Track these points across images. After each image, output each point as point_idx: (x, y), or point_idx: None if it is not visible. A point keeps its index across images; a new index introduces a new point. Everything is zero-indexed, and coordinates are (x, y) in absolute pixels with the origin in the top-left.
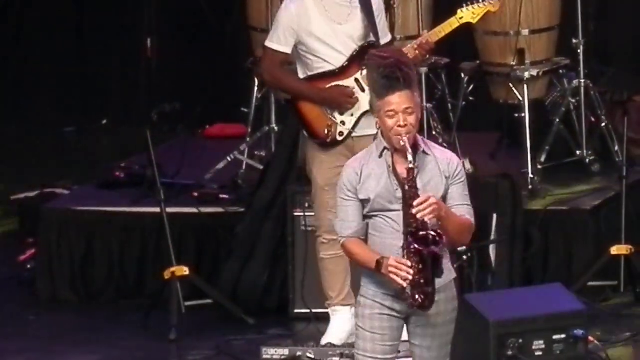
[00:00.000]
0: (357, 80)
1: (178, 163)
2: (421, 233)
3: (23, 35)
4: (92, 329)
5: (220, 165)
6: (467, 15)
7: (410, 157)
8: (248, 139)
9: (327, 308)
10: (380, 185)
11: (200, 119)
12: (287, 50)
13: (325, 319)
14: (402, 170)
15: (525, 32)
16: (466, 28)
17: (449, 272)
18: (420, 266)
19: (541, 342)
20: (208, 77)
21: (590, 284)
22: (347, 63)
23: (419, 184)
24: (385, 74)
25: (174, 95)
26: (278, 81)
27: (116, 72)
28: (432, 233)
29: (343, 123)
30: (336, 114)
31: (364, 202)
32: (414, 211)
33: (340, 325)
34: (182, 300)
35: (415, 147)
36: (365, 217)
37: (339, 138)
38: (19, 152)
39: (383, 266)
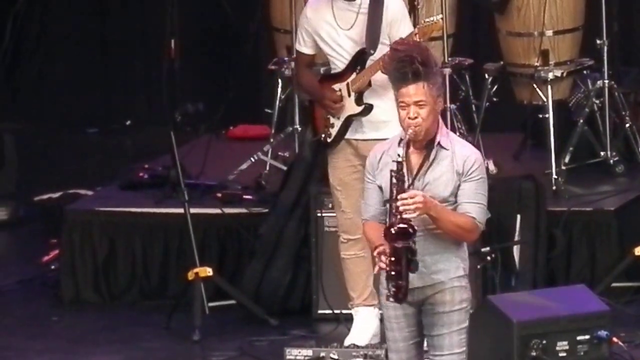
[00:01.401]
0: (347, 84)
1: (201, 164)
2: (398, 226)
3: (46, 35)
4: (115, 329)
5: (244, 166)
6: (421, 30)
7: (400, 152)
8: (271, 140)
9: (350, 308)
10: (409, 174)
11: (224, 120)
12: (309, 51)
13: (348, 319)
14: (415, 162)
15: (550, 32)
16: (490, 29)
17: (456, 268)
18: (393, 258)
19: (565, 343)
20: (231, 78)
21: (614, 284)
22: (344, 67)
23: (429, 178)
24: (397, 66)
25: (197, 96)
26: (297, 80)
27: (139, 73)
28: (403, 226)
29: (332, 125)
30: (330, 116)
31: (380, 189)
32: (398, 203)
33: (363, 325)
34: (205, 301)
35: (432, 140)
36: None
37: (328, 140)
38: (42, 153)
39: (374, 251)
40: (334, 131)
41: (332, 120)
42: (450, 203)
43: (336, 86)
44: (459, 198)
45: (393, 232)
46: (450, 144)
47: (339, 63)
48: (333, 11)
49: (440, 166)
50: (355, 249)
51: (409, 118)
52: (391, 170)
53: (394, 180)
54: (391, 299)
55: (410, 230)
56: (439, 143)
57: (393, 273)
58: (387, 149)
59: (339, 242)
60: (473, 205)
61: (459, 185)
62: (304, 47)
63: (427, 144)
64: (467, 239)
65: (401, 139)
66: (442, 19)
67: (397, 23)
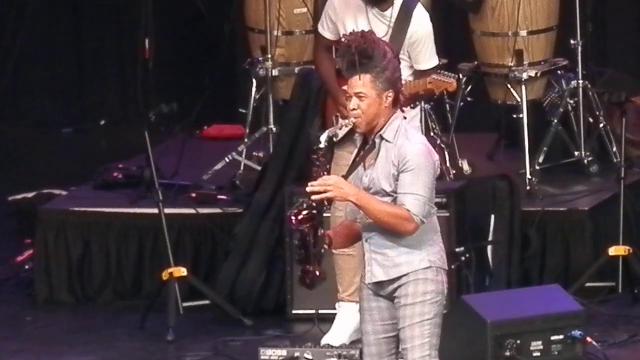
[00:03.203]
0: None
1: (175, 164)
2: (298, 209)
3: (20, 35)
4: (89, 330)
5: (218, 166)
6: (434, 83)
7: (323, 137)
8: (246, 140)
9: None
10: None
11: (198, 119)
12: (329, 36)
13: (323, 319)
14: (351, 150)
15: (524, 32)
16: (464, 29)
17: (419, 260)
18: (299, 242)
19: (539, 342)
20: (205, 78)
21: (588, 284)
22: None
23: (374, 172)
24: (340, 56)
25: (171, 95)
26: (315, 63)
27: (113, 73)
28: (301, 207)
29: (341, 127)
30: (340, 117)
31: None
32: (307, 187)
33: (343, 322)
34: (179, 301)
35: (372, 132)
36: None
37: (335, 139)
38: (16, 153)
39: None
40: (341, 132)
41: (341, 121)
42: (394, 197)
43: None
44: (397, 189)
45: (300, 217)
46: (395, 137)
47: None
48: (368, 17)
49: (382, 160)
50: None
51: (349, 109)
52: (314, 158)
53: (313, 168)
54: (300, 284)
55: (314, 212)
56: (381, 135)
57: (297, 257)
58: (348, 141)
59: None
60: (407, 196)
61: (397, 177)
62: (326, 30)
63: (373, 137)
64: (401, 231)
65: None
66: (456, 80)
67: (419, 45)
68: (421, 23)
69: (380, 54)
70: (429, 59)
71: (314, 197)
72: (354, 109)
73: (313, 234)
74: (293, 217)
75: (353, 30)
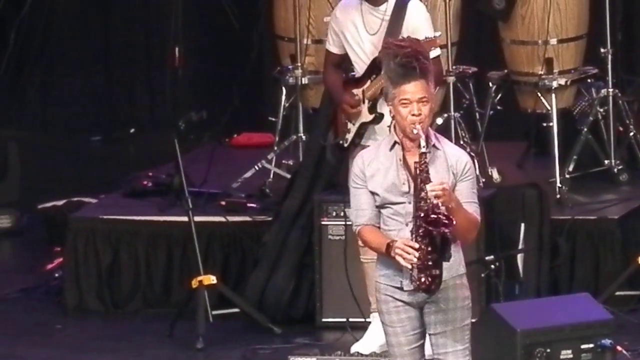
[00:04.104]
0: (363, 91)
1: (205, 172)
2: (432, 215)
3: (50, 43)
4: (118, 338)
5: (248, 174)
6: None
7: (423, 142)
8: (275, 148)
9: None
10: (387, 179)
11: (228, 127)
12: (336, 50)
13: (353, 328)
14: (412, 164)
15: (554, 41)
16: (493, 37)
17: (458, 265)
18: (429, 248)
19: (569, 351)
20: (235, 86)
21: (617, 293)
22: (363, 73)
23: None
24: (402, 62)
25: (200, 103)
26: (324, 78)
27: (143, 81)
28: (443, 215)
29: (349, 130)
30: (347, 121)
31: (373, 194)
32: (428, 188)
33: (375, 332)
34: (209, 309)
35: (427, 139)
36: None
37: (345, 145)
38: (46, 161)
39: (392, 248)
40: (349, 136)
41: (349, 125)
42: None
43: (355, 91)
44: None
45: (433, 220)
46: (440, 144)
47: (359, 68)
48: (362, 15)
49: (436, 166)
50: (373, 252)
51: (413, 115)
52: (415, 162)
53: (418, 172)
54: (421, 291)
55: (447, 220)
56: (434, 145)
57: (430, 263)
58: (375, 155)
59: (355, 248)
60: (472, 205)
61: (455, 186)
62: (332, 46)
63: (419, 144)
64: (470, 237)
65: (395, 142)
66: (441, 35)
67: (419, 31)
68: (416, 13)
69: (429, 58)
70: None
71: (437, 200)
72: (419, 114)
73: (444, 240)
74: (447, 221)
75: (402, 38)
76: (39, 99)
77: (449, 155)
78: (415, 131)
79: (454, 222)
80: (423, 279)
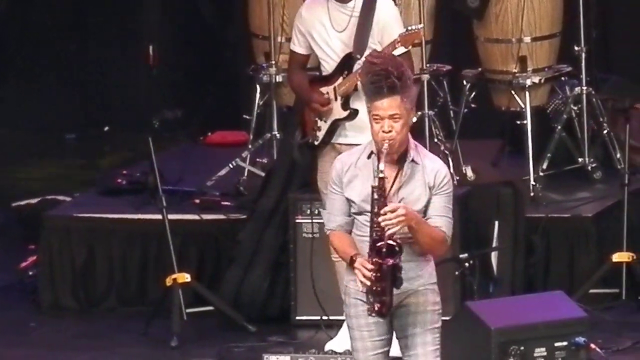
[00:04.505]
0: (334, 88)
1: (179, 170)
2: (379, 244)
3: (25, 42)
4: (93, 336)
5: (222, 172)
6: (403, 40)
7: (381, 166)
8: (250, 146)
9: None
10: (364, 187)
11: (202, 126)
12: (302, 51)
13: (327, 326)
14: (388, 176)
15: (527, 39)
16: (468, 35)
17: (428, 276)
18: (378, 275)
19: (543, 349)
20: (209, 84)
21: (592, 291)
22: (333, 70)
23: (404, 193)
24: (372, 79)
25: (175, 102)
26: (289, 79)
27: (118, 79)
28: (391, 243)
29: (319, 128)
30: (317, 119)
31: (349, 201)
32: (380, 219)
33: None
34: (183, 308)
35: (404, 154)
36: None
37: (315, 142)
38: (20, 159)
39: (354, 262)
40: (320, 134)
41: (319, 123)
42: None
43: (324, 89)
44: (429, 212)
45: (381, 250)
46: (420, 158)
47: (328, 66)
48: (329, 12)
49: (414, 181)
50: None
51: (383, 131)
52: (372, 186)
53: (376, 196)
54: (373, 315)
55: (397, 247)
56: (412, 159)
57: (379, 289)
58: (355, 162)
59: (327, 246)
60: (443, 219)
61: (430, 199)
62: (297, 46)
63: (399, 158)
64: (437, 252)
65: (372, 152)
66: (423, 28)
67: (389, 28)
68: (386, 8)
69: (408, 74)
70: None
71: (391, 230)
72: (389, 131)
73: (394, 266)
74: (379, 258)
75: (377, 52)
76: (14, 97)
77: (427, 169)
78: (384, 149)
79: (401, 251)
80: (374, 305)
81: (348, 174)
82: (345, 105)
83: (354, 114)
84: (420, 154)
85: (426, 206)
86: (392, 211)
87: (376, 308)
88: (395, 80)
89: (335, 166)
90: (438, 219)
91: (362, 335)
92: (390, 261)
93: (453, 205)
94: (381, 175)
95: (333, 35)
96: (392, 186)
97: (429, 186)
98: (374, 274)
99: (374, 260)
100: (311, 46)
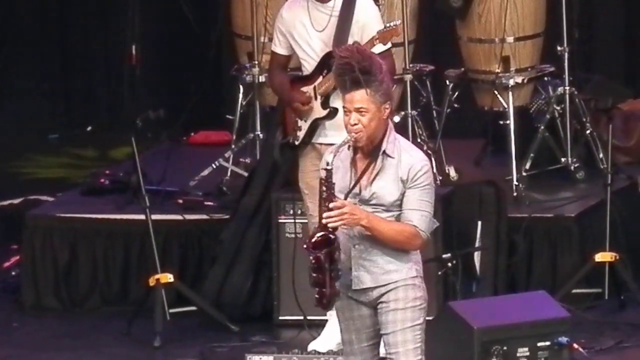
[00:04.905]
0: (315, 87)
1: (162, 170)
2: (317, 235)
3: (7, 41)
4: (76, 335)
5: (205, 172)
6: (381, 37)
7: (329, 158)
8: (233, 146)
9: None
10: (344, 179)
11: (185, 126)
12: (283, 52)
13: (310, 325)
14: (360, 166)
15: (510, 39)
16: (450, 35)
17: (408, 269)
18: (316, 266)
19: (525, 349)
20: (192, 84)
21: (574, 291)
22: (313, 70)
23: (376, 187)
24: (338, 73)
25: (158, 102)
26: (270, 80)
27: (101, 79)
28: (321, 235)
29: (300, 128)
30: (298, 119)
31: None
32: (324, 215)
33: (332, 330)
34: (166, 307)
35: (378, 147)
36: None
37: (296, 142)
38: (3, 158)
39: None
40: (301, 134)
41: (299, 123)
42: (397, 211)
43: (305, 89)
44: (403, 205)
45: (313, 241)
46: (396, 152)
47: (309, 65)
48: (309, 12)
49: (386, 175)
50: None
51: (350, 124)
52: (320, 179)
53: (323, 188)
54: (316, 306)
55: (331, 236)
56: (384, 151)
57: (318, 281)
58: (339, 152)
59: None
60: (415, 213)
61: (404, 193)
62: (278, 47)
63: (373, 151)
64: (409, 247)
65: (349, 145)
66: (401, 24)
67: (369, 27)
68: (365, 7)
69: (377, 67)
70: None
71: (330, 224)
72: (355, 124)
73: (330, 257)
74: (308, 244)
75: (345, 46)
76: None
77: (402, 163)
78: (345, 141)
79: (334, 241)
80: (316, 295)
81: (336, 167)
82: (325, 104)
83: (333, 112)
84: (398, 148)
85: (401, 200)
86: (338, 208)
87: (317, 298)
88: (358, 74)
89: (325, 155)
90: (409, 213)
91: (348, 327)
92: (322, 252)
93: (436, 204)
94: (328, 167)
95: (313, 35)
96: (359, 178)
97: (401, 180)
98: (312, 265)
99: (311, 250)
100: (292, 46)
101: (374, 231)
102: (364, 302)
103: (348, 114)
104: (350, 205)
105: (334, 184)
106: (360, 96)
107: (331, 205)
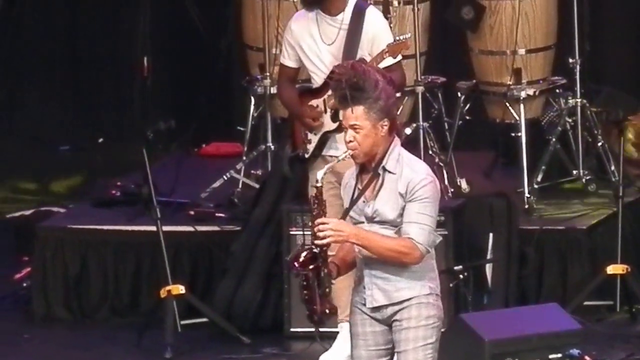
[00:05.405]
0: (324, 100)
1: (173, 181)
2: (303, 254)
3: (18, 52)
4: (86, 347)
5: (216, 184)
6: (391, 50)
7: (319, 175)
8: (244, 158)
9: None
10: (351, 195)
11: (196, 137)
12: (292, 64)
13: (321, 337)
14: (361, 185)
15: (522, 51)
16: (462, 47)
17: (421, 287)
18: (305, 283)
19: None
20: (203, 96)
21: (585, 303)
22: (323, 82)
23: (378, 204)
24: (333, 90)
25: (169, 113)
26: (279, 93)
27: (111, 91)
28: (313, 251)
29: (310, 141)
30: (308, 132)
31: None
32: (315, 230)
33: (343, 342)
34: (177, 319)
35: (378, 164)
36: None
37: (306, 155)
38: (14, 170)
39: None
40: (311, 147)
41: (309, 136)
42: (399, 226)
43: (314, 102)
44: (403, 219)
45: (301, 260)
46: (398, 168)
47: (318, 78)
48: (318, 25)
49: (387, 191)
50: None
51: (346, 141)
52: (310, 196)
53: (314, 206)
54: (308, 321)
55: (318, 255)
56: (384, 167)
57: (307, 298)
58: (352, 171)
59: None
60: (413, 226)
61: (404, 207)
62: (287, 60)
63: (375, 167)
64: (407, 262)
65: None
66: (411, 37)
67: (379, 39)
68: (374, 20)
69: (372, 84)
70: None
71: (317, 242)
72: (350, 141)
73: (317, 275)
74: (295, 263)
75: (339, 64)
76: (7, 108)
77: (402, 178)
78: (340, 158)
79: (322, 257)
80: (307, 312)
81: (347, 185)
82: (334, 117)
83: None
84: (400, 163)
85: (402, 215)
86: (324, 224)
87: (308, 314)
88: (346, 92)
89: (345, 175)
90: (407, 226)
91: (358, 343)
92: (304, 270)
93: (447, 216)
94: (317, 184)
95: (322, 48)
96: (359, 196)
97: (400, 195)
98: (301, 282)
99: (298, 269)
100: (301, 59)
101: (366, 247)
102: (379, 320)
103: (345, 131)
104: (337, 222)
105: (324, 201)
106: (353, 113)
107: (316, 221)
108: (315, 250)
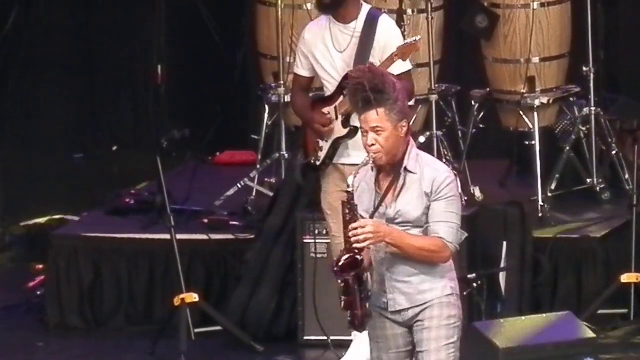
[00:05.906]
0: (335, 107)
1: (187, 190)
2: (343, 259)
3: (33, 60)
4: (100, 355)
5: (230, 192)
6: (400, 52)
7: (350, 181)
8: (258, 166)
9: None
10: (370, 199)
11: (210, 145)
12: (305, 74)
13: (335, 346)
14: (383, 185)
15: (536, 59)
16: (476, 55)
17: (443, 287)
18: (346, 289)
19: None
20: (217, 104)
21: (599, 311)
22: (335, 90)
23: (400, 204)
24: (352, 94)
25: (183, 122)
26: (292, 102)
27: (126, 99)
28: (348, 258)
29: (321, 149)
30: (319, 139)
31: (360, 216)
32: (350, 234)
33: (357, 349)
34: (191, 327)
35: (400, 164)
36: None
37: (317, 163)
38: (28, 179)
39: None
40: (322, 154)
41: (321, 143)
42: (423, 225)
43: (326, 109)
44: (429, 218)
45: (340, 264)
46: (418, 168)
47: (330, 86)
48: (331, 33)
49: (410, 191)
50: None
51: (368, 145)
52: (342, 201)
53: (346, 211)
54: (350, 328)
55: (358, 257)
56: (405, 168)
57: (348, 304)
58: (365, 176)
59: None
60: (441, 225)
61: (429, 206)
62: (301, 69)
63: (395, 169)
64: (437, 261)
65: (372, 166)
66: (421, 39)
67: (390, 47)
68: (387, 28)
69: (391, 85)
70: (401, 63)
71: (356, 245)
72: (372, 145)
73: (358, 279)
74: (336, 268)
75: (359, 67)
76: (22, 116)
77: (425, 177)
78: (364, 162)
79: (361, 263)
80: (348, 317)
81: (359, 189)
82: (345, 123)
83: (354, 131)
84: (420, 162)
85: (426, 214)
86: (361, 227)
87: (349, 320)
88: (370, 94)
89: (349, 179)
90: (435, 225)
91: (378, 347)
92: (349, 274)
93: (462, 224)
94: (349, 189)
95: (335, 56)
96: (384, 197)
97: (426, 194)
98: (342, 288)
99: (339, 274)
100: (314, 68)
101: (399, 247)
102: (399, 322)
103: (365, 135)
104: (373, 223)
105: (356, 205)
106: (374, 115)
107: (354, 225)
108: (358, 256)
